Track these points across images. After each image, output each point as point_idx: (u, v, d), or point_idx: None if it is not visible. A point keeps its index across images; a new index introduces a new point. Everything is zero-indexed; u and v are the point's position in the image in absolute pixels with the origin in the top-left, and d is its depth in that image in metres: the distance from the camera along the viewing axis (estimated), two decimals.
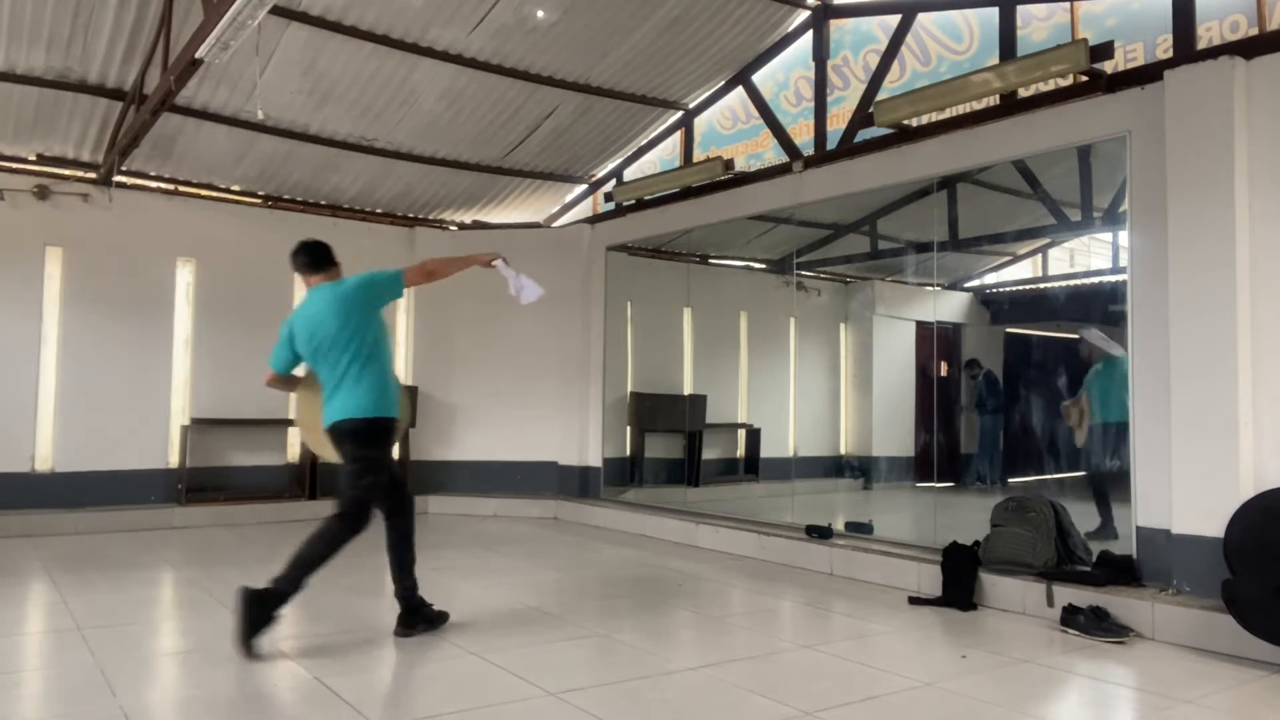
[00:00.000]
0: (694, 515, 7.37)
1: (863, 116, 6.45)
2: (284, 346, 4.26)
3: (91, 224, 7.55)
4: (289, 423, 8.39)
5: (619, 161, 8.77)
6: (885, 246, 9.36)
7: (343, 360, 4.06)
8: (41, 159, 7.41)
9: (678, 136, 8.27)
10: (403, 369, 9.11)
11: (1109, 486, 6.42)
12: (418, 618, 4.19)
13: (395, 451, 4.42)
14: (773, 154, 7.44)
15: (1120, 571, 4.62)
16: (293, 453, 8.43)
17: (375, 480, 4.07)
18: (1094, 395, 7.21)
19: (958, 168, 5.99)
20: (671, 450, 9.20)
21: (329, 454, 4.25)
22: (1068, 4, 5.69)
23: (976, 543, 5.13)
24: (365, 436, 4.03)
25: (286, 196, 8.53)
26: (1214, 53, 4.52)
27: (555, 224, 9.57)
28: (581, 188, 9.27)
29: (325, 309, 4.17)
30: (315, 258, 4.39)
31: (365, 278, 4.31)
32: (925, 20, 6.42)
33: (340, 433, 4.04)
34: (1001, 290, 10.49)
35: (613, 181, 8.82)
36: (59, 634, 4.15)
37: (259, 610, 3.75)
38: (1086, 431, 7.15)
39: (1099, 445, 7.04)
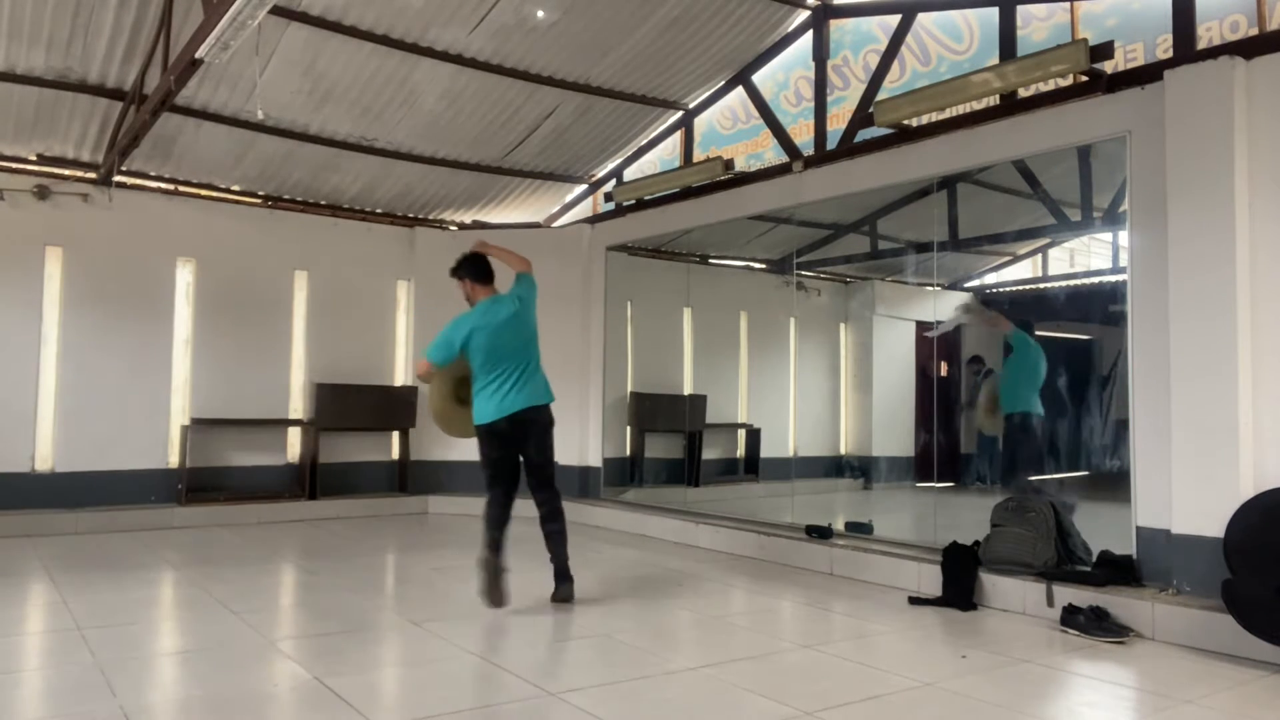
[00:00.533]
0: (694, 515, 7.37)
1: (863, 116, 6.45)
2: (453, 347, 4.85)
3: (91, 224, 7.56)
4: (289, 423, 8.40)
5: (619, 161, 8.77)
6: (885, 246, 9.36)
7: (523, 360, 4.93)
8: (41, 159, 7.41)
9: (678, 136, 8.27)
10: (402, 369, 9.12)
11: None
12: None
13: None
14: (773, 154, 7.45)
15: (1120, 571, 4.62)
16: (293, 453, 8.44)
17: None
18: (1001, 385, 7.23)
19: (958, 168, 5.99)
20: (671, 450, 9.20)
21: (459, 433, 5.12)
22: (1068, 4, 5.69)
23: (976, 543, 5.13)
24: (551, 421, 4.97)
25: (286, 196, 8.53)
26: (1214, 53, 4.52)
27: (555, 224, 9.57)
28: (581, 188, 9.27)
29: (513, 319, 4.94)
30: (485, 271, 5.05)
31: (531, 290, 5.14)
32: (925, 20, 6.42)
33: (531, 420, 4.86)
34: (1001, 290, 10.48)
35: (613, 181, 8.82)
36: (59, 634, 4.15)
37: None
38: (998, 423, 7.16)
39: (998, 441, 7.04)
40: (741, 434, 9.93)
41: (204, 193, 8.15)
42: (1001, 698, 3.41)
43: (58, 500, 7.27)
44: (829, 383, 10.52)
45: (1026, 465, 6.99)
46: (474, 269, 5.02)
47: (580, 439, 8.76)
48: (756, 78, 7.51)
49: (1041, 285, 10.06)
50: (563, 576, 4.93)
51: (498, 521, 4.86)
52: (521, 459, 4.96)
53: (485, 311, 4.89)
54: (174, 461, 7.77)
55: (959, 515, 6.67)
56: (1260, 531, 3.93)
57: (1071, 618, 4.39)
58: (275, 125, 7.32)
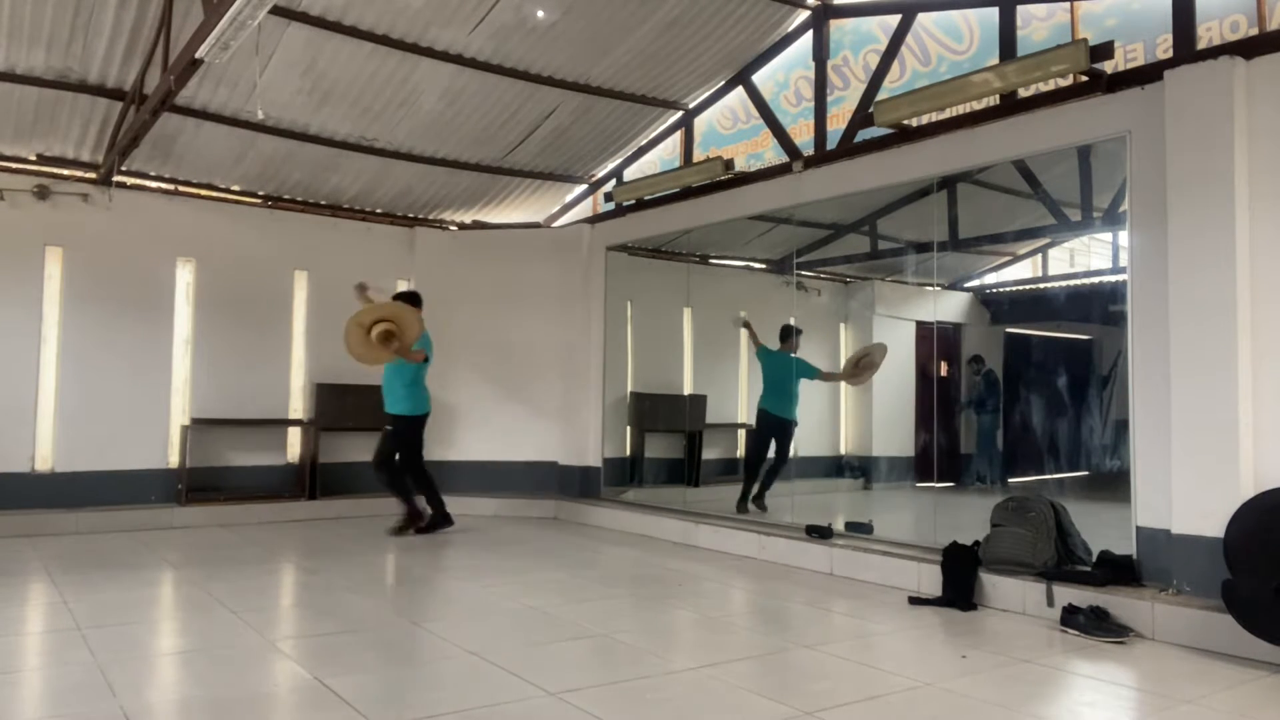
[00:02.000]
0: (694, 515, 7.37)
1: (863, 116, 6.45)
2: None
3: (91, 224, 7.55)
4: (289, 423, 8.41)
5: (619, 161, 8.77)
6: (885, 246, 9.36)
7: None
8: (41, 159, 7.41)
9: (678, 136, 8.27)
10: None
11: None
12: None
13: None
14: (773, 154, 7.44)
15: (1120, 571, 4.62)
16: (293, 453, 8.44)
17: None
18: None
19: (958, 168, 5.99)
20: (671, 450, 9.20)
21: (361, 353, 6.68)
22: (1068, 4, 5.69)
23: (976, 543, 5.13)
24: None
25: (286, 196, 8.53)
26: (1214, 53, 4.52)
27: (555, 224, 9.57)
28: (581, 188, 9.27)
29: None
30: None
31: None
32: (925, 20, 6.42)
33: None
34: (1001, 290, 10.49)
35: (613, 181, 8.82)
36: (59, 634, 4.15)
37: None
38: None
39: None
40: (741, 434, 9.92)
41: (204, 193, 8.15)
42: (1001, 698, 3.42)
43: (58, 500, 7.27)
44: (829, 383, 10.50)
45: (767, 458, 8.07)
46: (416, 300, 7.18)
47: (580, 439, 8.76)
48: (756, 78, 7.51)
49: (1041, 285, 10.06)
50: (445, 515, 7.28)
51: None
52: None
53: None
54: (174, 461, 7.77)
55: (959, 515, 6.68)
56: (1260, 532, 3.93)
57: (1071, 618, 4.39)
58: (275, 125, 7.32)
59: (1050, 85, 5.32)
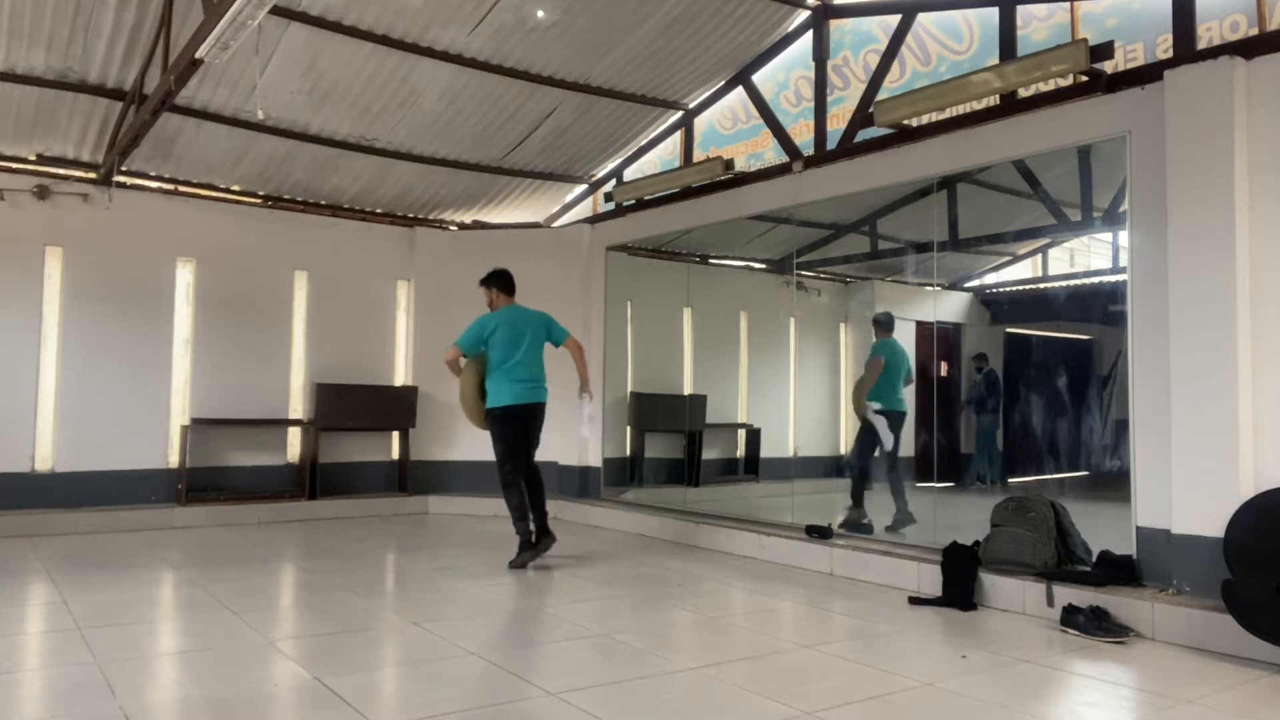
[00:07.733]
0: (694, 515, 7.37)
1: (863, 116, 6.45)
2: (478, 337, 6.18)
3: (91, 224, 7.56)
4: (289, 423, 8.41)
5: (619, 161, 8.78)
6: (885, 246, 9.35)
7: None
8: (41, 159, 7.41)
9: (678, 136, 8.27)
10: (402, 369, 9.12)
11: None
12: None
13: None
14: (773, 154, 7.45)
15: (1120, 571, 4.62)
16: (293, 453, 8.44)
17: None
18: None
19: (958, 168, 5.99)
20: (671, 450, 9.20)
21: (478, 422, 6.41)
22: (1068, 4, 5.69)
23: (976, 543, 5.13)
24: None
25: (286, 196, 8.53)
26: (1214, 53, 4.52)
27: (555, 224, 9.57)
28: (581, 188, 9.27)
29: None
30: (510, 285, 6.38)
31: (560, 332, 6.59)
32: (925, 20, 6.42)
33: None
34: (1001, 290, 10.48)
35: (613, 181, 8.82)
36: (59, 634, 4.15)
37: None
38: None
39: None
40: (741, 434, 9.92)
41: (204, 193, 8.15)
42: (1001, 698, 3.41)
43: (58, 500, 7.27)
44: (829, 383, 10.51)
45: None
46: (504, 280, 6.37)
47: (580, 439, 8.75)
48: (756, 78, 7.51)
49: (1041, 285, 10.06)
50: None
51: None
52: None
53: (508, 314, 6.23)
54: (174, 461, 7.77)
55: (959, 515, 6.68)
56: (1260, 531, 3.93)
57: (1071, 618, 4.39)
58: (275, 125, 7.32)
59: (1050, 85, 5.32)
